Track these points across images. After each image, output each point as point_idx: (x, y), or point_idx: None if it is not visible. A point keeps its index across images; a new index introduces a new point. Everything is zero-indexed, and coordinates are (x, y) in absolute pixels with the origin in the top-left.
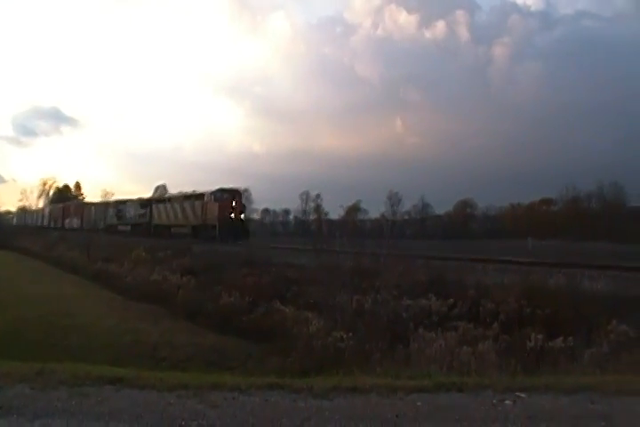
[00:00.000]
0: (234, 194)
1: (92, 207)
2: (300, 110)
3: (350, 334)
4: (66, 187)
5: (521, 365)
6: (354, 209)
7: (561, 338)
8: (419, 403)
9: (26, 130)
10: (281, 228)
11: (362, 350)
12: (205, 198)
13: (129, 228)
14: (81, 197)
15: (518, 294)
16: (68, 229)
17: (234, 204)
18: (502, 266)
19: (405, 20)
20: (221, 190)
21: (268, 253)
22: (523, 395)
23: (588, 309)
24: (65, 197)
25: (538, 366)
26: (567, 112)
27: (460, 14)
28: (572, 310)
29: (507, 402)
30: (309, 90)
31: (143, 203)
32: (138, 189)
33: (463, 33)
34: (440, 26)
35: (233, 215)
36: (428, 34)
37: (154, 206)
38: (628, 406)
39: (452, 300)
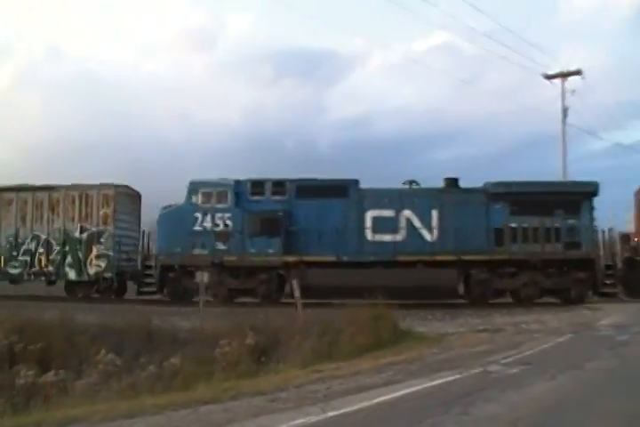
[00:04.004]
0: None
1: None
2: None
3: None
4: None
5: (10, 404)
6: None
7: (53, 372)
8: None
9: None
10: None
11: None
12: None
13: None
14: None
15: (8, 330)
16: None
17: None
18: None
19: None
20: None
21: None
22: None
23: (80, 340)
24: None
25: (28, 403)
26: (65, 144)
27: None
28: (65, 343)
29: None
30: None
31: None
32: None
33: None
34: None
35: None
36: None
37: None
38: None
39: None
